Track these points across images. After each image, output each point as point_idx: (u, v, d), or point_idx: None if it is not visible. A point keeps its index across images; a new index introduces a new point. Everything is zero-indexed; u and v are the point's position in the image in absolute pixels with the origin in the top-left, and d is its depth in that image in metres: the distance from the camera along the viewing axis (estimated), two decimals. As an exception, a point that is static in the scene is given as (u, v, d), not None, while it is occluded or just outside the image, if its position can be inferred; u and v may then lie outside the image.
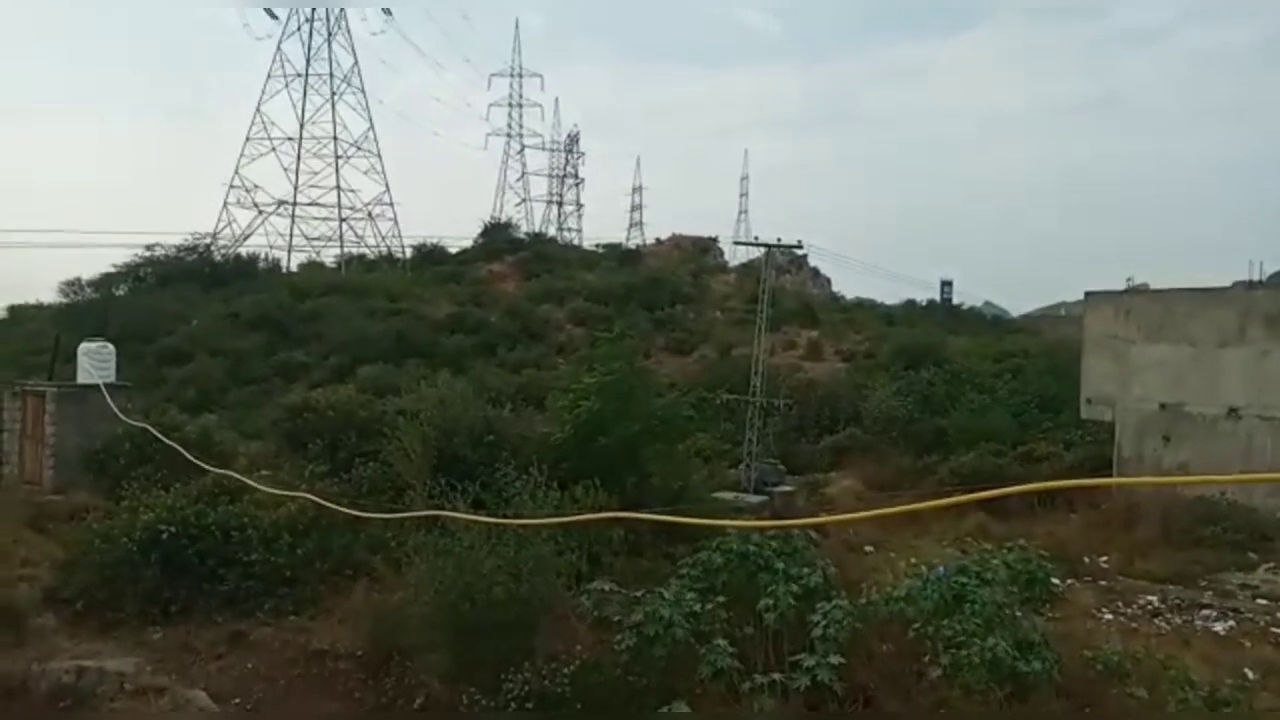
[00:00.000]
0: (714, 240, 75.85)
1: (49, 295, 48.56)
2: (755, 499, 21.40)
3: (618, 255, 67.86)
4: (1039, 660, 8.67)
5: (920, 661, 9.23)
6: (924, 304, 61.93)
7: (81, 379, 16.67)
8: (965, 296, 65.94)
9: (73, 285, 48.78)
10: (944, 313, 59.06)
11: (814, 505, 21.80)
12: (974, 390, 29.29)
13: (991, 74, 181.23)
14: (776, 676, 8.91)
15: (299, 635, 10.87)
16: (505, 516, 11.11)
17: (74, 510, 13.70)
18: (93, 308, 44.10)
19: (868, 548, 16.19)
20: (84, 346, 17.22)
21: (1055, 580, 12.89)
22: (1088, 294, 23.22)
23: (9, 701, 8.50)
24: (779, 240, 27.91)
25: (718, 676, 9.07)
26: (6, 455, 16.60)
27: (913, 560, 13.56)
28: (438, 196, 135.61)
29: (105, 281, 50.02)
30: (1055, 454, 23.03)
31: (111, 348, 17.36)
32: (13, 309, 47.49)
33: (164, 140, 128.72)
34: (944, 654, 8.87)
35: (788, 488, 23.45)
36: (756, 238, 30.92)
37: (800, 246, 31.12)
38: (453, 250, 64.59)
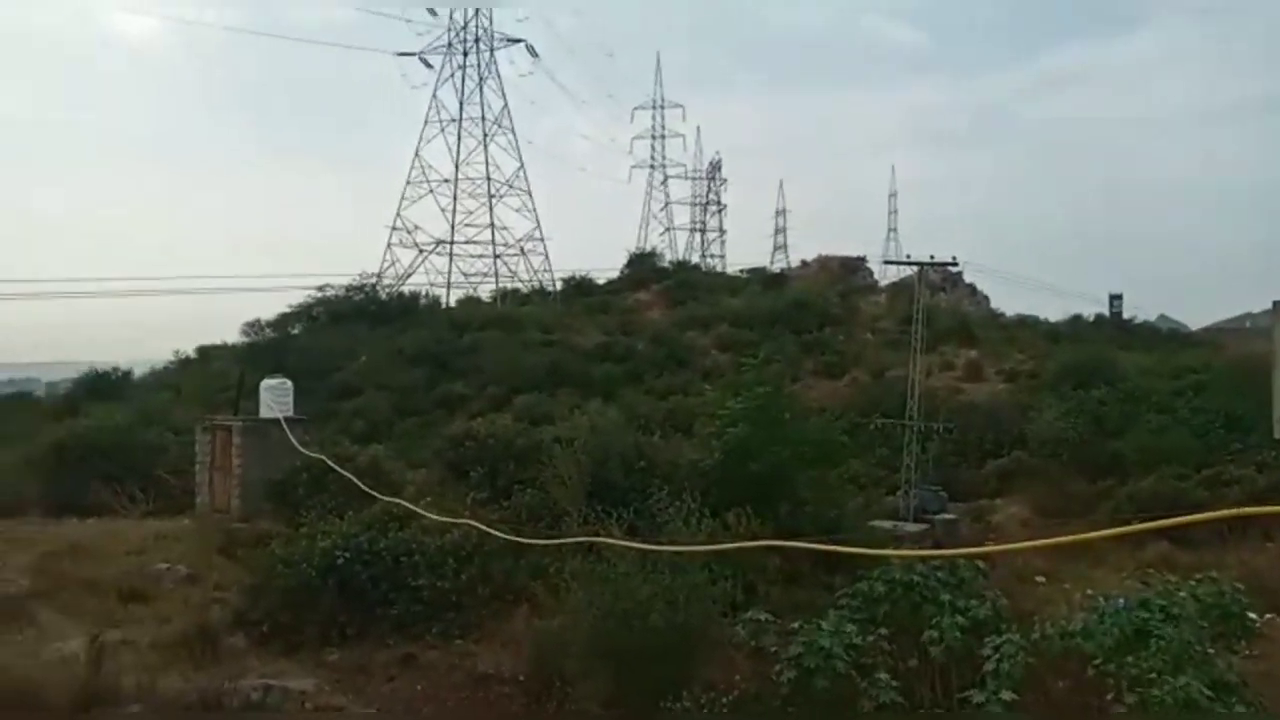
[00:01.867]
0: (862, 260, 74.41)
1: (233, 335, 52.32)
2: (915, 527, 20.72)
3: (762, 279, 67.44)
4: (1240, 703, 8.00)
5: (1102, 699, 8.69)
6: (1092, 319, 58.64)
7: (263, 413, 17.78)
8: (1137, 310, 61.97)
9: (254, 325, 52.39)
10: (1114, 328, 55.74)
11: (979, 533, 20.90)
12: (1151, 410, 27.51)
13: (1156, 77, 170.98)
14: (944, 712, 8.57)
15: (465, 659, 11.23)
16: (659, 543, 11.17)
17: (259, 537, 14.59)
18: (271, 346, 47.16)
19: (1039, 578, 15.38)
20: (265, 383, 18.36)
21: (1252, 615, 11.87)
22: (1276, 303, 21.39)
23: (205, 715, 9.13)
24: (932, 257, 27.10)
25: (881, 711, 8.80)
26: (199, 486, 17.87)
27: (1088, 592, 12.79)
28: (585, 229, 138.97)
29: (282, 321, 53.40)
30: (1246, 477, 21.30)
31: (290, 384, 18.45)
32: (201, 349, 51.33)
33: (335, 188, 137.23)
34: (1128, 693, 8.32)
35: (950, 515, 22.59)
36: (908, 256, 30.04)
37: (955, 263, 30.15)
38: (600, 281, 65.91)
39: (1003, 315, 62.61)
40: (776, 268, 79.96)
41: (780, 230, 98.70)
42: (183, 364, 50.05)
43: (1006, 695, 8.40)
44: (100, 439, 19.33)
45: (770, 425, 15.62)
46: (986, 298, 69.40)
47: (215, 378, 39.82)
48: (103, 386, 42.33)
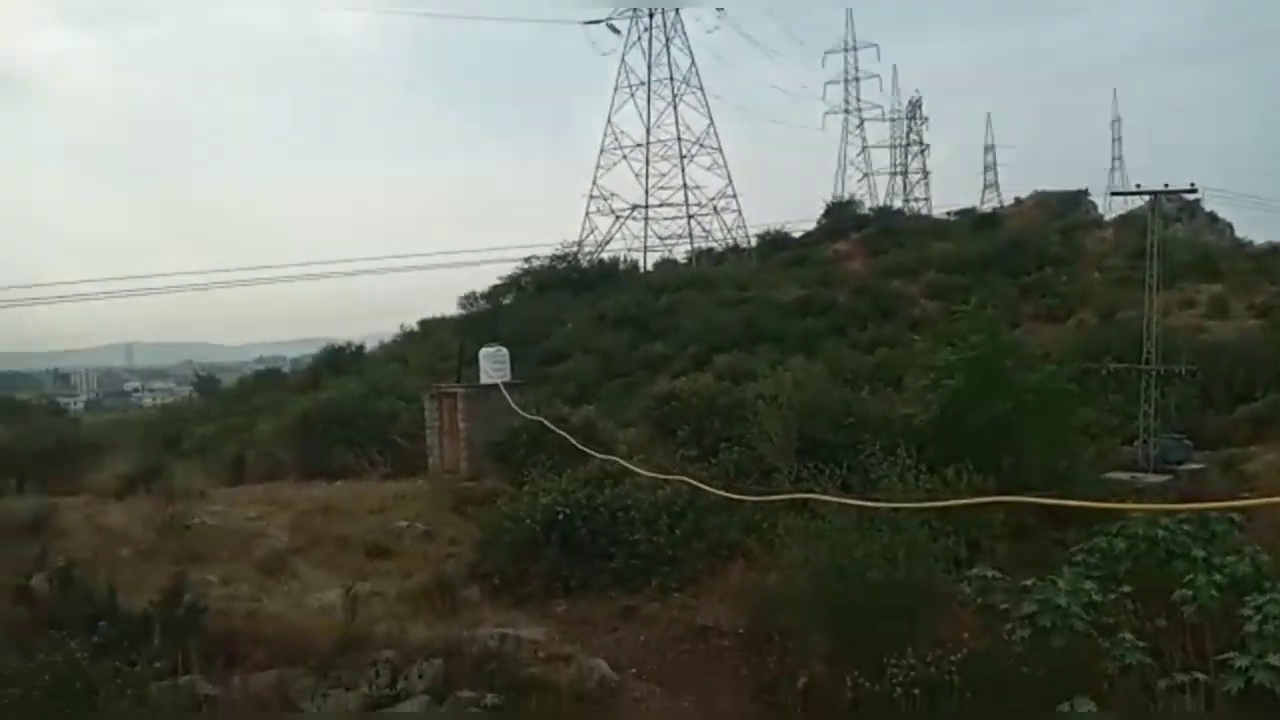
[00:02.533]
0: (1084, 193, 69.27)
1: (451, 308, 55.46)
2: (1156, 479, 19.17)
3: (972, 220, 64.12)
4: None
5: (1395, 668, 7.74)
6: (1359, 242, 52.01)
7: (483, 380, 18.78)
8: None
9: (469, 298, 55.38)
10: (1389, 251, 49.16)
11: (1231, 484, 19.09)
12: None
13: None
14: (1200, 676, 7.93)
15: (684, 612, 11.45)
16: (874, 500, 10.91)
17: (486, 495, 15.47)
18: (485, 317, 49.71)
19: (1307, 532, 13.85)
20: (483, 351, 19.38)
21: None
22: None
23: (449, 658, 9.79)
24: (1166, 185, 24.69)
25: (1126, 672, 8.24)
26: (430, 449, 19.12)
27: (1370, 547, 11.40)
28: (779, 182, 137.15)
29: (494, 293, 56.12)
30: None
31: (506, 351, 19.38)
32: (423, 323, 54.80)
33: (540, 162, 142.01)
34: None
35: (1196, 465, 20.77)
36: (1138, 185, 27.54)
37: (1193, 189, 27.40)
38: (796, 234, 64.90)
39: (1250, 244, 56.74)
40: (987, 207, 75.76)
41: (990, 168, 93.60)
42: (408, 337, 53.66)
43: (1274, 659, 7.66)
44: (340, 408, 21.04)
45: (989, 375, 14.86)
46: (1230, 226, 63.15)
47: (437, 348, 42.42)
48: (339, 361, 46.22)
